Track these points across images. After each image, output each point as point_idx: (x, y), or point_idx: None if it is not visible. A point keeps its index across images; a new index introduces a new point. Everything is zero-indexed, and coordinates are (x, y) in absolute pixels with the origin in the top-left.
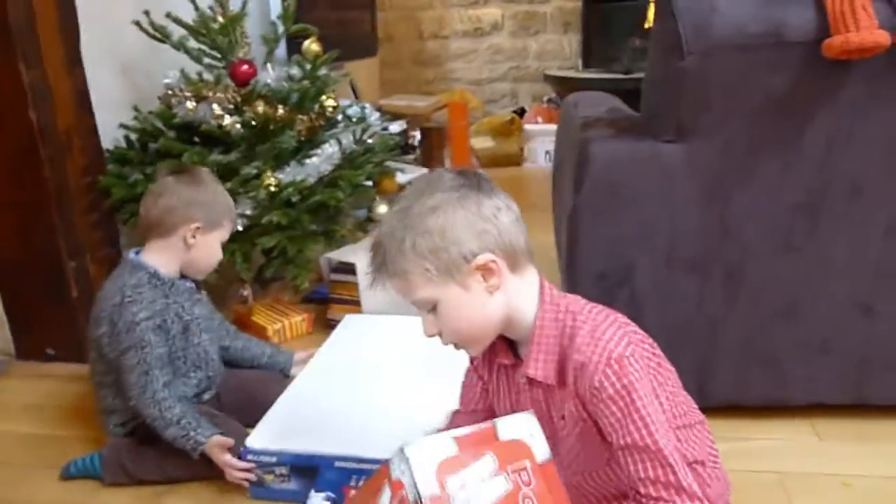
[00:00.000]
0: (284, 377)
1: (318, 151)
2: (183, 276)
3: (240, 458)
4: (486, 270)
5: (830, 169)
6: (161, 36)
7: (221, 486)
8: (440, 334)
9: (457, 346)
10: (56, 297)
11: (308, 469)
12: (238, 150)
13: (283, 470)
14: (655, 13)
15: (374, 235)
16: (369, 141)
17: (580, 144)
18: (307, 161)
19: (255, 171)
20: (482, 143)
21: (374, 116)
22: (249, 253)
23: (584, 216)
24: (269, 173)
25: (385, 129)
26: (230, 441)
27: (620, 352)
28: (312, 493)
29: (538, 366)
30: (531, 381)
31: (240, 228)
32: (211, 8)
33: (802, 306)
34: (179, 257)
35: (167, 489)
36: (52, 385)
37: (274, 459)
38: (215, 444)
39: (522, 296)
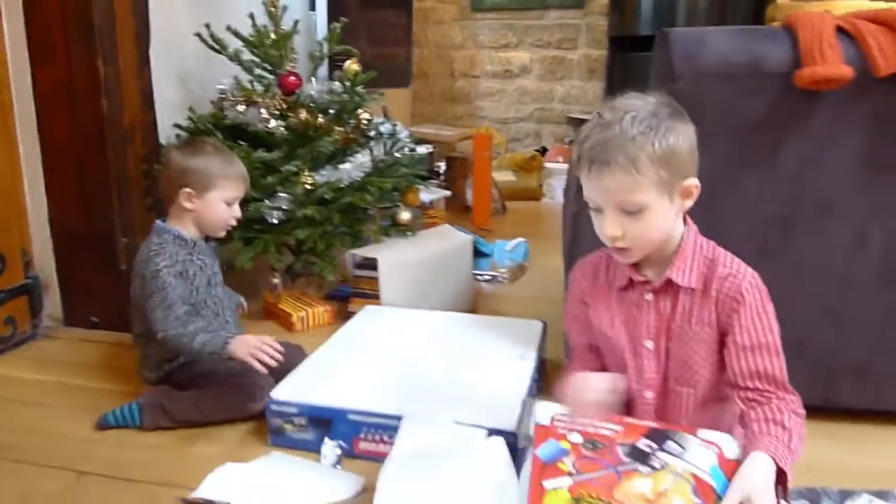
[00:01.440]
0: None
1: (352, 158)
2: (207, 238)
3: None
4: (688, 193)
5: (802, 186)
6: (219, 47)
7: (246, 432)
8: (620, 237)
9: (622, 252)
10: (106, 269)
11: (323, 421)
12: (280, 150)
13: (302, 420)
14: (655, 45)
15: (602, 128)
16: (398, 155)
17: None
18: (341, 166)
19: (294, 170)
20: (504, 176)
21: (403, 133)
22: (283, 244)
23: (586, 216)
24: (306, 172)
25: (413, 149)
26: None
27: (755, 273)
28: (326, 439)
29: (684, 274)
30: (662, 292)
31: (275, 221)
32: (264, 26)
33: (778, 309)
34: (190, 220)
35: (195, 434)
36: (94, 348)
37: (295, 410)
38: (240, 338)
39: (680, 220)
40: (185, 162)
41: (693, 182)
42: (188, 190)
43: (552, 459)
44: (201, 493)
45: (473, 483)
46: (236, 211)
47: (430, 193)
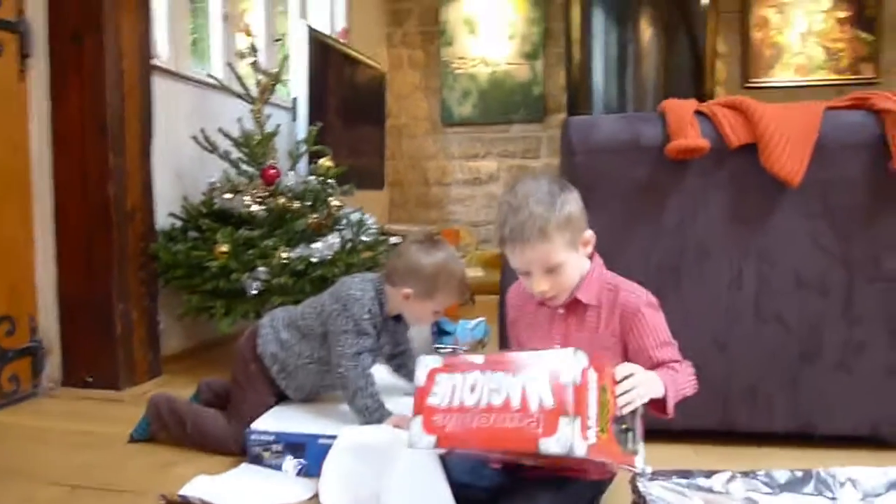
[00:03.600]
0: None
1: (323, 239)
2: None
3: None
4: (587, 242)
5: (683, 237)
6: (211, 148)
7: (224, 461)
8: (548, 289)
9: (551, 299)
10: (102, 333)
11: (297, 446)
12: (260, 229)
13: (279, 447)
14: (561, 129)
15: (514, 213)
16: (364, 238)
17: None
18: (313, 245)
19: (272, 245)
20: (473, 272)
21: (371, 220)
22: (260, 310)
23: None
24: (282, 248)
25: (379, 234)
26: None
27: (649, 293)
28: (288, 457)
29: (588, 295)
30: (571, 309)
31: (254, 292)
32: (251, 131)
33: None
34: (396, 305)
35: (176, 462)
36: (89, 404)
37: (272, 438)
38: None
39: (586, 259)
40: (418, 264)
41: (589, 233)
42: (407, 290)
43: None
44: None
45: (400, 465)
46: (440, 314)
47: None
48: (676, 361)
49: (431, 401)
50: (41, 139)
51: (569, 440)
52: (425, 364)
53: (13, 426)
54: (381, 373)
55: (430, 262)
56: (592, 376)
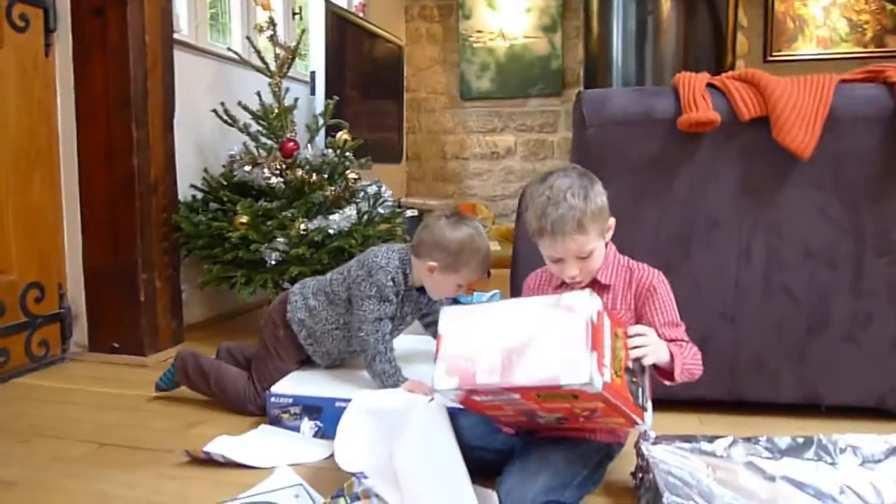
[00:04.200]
0: None
1: (340, 211)
2: (419, 288)
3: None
4: (610, 228)
5: (693, 209)
6: (231, 121)
7: (244, 422)
8: (578, 275)
9: (578, 283)
10: (127, 301)
11: (315, 409)
12: (279, 201)
13: (297, 409)
14: (574, 103)
15: (555, 207)
16: (381, 210)
17: (523, 189)
18: (331, 216)
19: (290, 217)
20: (491, 247)
21: (387, 193)
22: (279, 282)
23: (520, 238)
24: (300, 219)
25: (396, 206)
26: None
27: (661, 272)
28: (305, 419)
29: (607, 276)
30: (593, 288)
31: (273, 262)
32: (269, 104)
33: (682, 315)
34: (420, 277)
35: (199, 420)
36: (114, 369)
37: (290, 401)
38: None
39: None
40: (444, 238)
41: (612, 221)
42: (432, 263)
43: None
44: (205, 448)
45: (412, 426)
46: (463, 288)
47: None
48: (684, 341)
49: (451, 346)
50: (67, 112)
51: (587, 371)
52: (448, 312)
53: (43, 388)
54: (401, 342)
55: (456, 237)
56: (606, 321)
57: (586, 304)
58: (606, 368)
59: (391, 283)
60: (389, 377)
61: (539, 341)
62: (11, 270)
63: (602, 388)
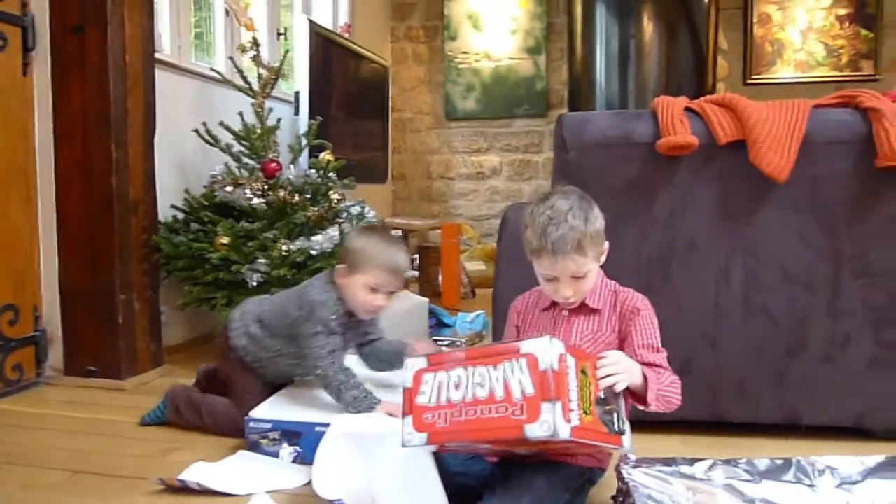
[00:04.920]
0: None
1: (324, 232)
2: (350, 315)
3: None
4: (604, 251)
5: (673, 231)
6: (213, 141)
7: (222, 447)
8: (572, 295)
9: (570, 303)
10: (105, 323)
11: (293, 434)
12: (260, 222)
13: (276, 434)
14: (554, 126)
15: (555, 227)
16: None
17: (504, 212)
18: (313, 237)
19: (271, 237)
20: (475, 266)
21: (371, 213)
22: None
23: (502, 259)
24: (282, 240)
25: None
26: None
27: (644, 296)
28: (284, 444)
29: (595, 300)
30: (576, 311)
31: (254, 284)
32: (252, 124)
33: (664, 337)
34: (345, 295)
35: (175, 447)
36: (91, 393)
37: (269, 426)
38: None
39: None
40: (351, 241)
41: (607, 244)
42: (341, 266)
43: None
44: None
45: (393, 458)
46: (380, 299)
47: None
48: (662, 367)
49: (420, 400)
50: (45, 131)
51: (552, 423)
52: (411, 366)
53: (16, 414)
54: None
55: (360, 239)
56: (570, 361)
57: (547, 352)
58: (574, 412)
59: (334, 315)
60: (361, 402)
61: (503, 393)
62: None
63: (570, 433)
